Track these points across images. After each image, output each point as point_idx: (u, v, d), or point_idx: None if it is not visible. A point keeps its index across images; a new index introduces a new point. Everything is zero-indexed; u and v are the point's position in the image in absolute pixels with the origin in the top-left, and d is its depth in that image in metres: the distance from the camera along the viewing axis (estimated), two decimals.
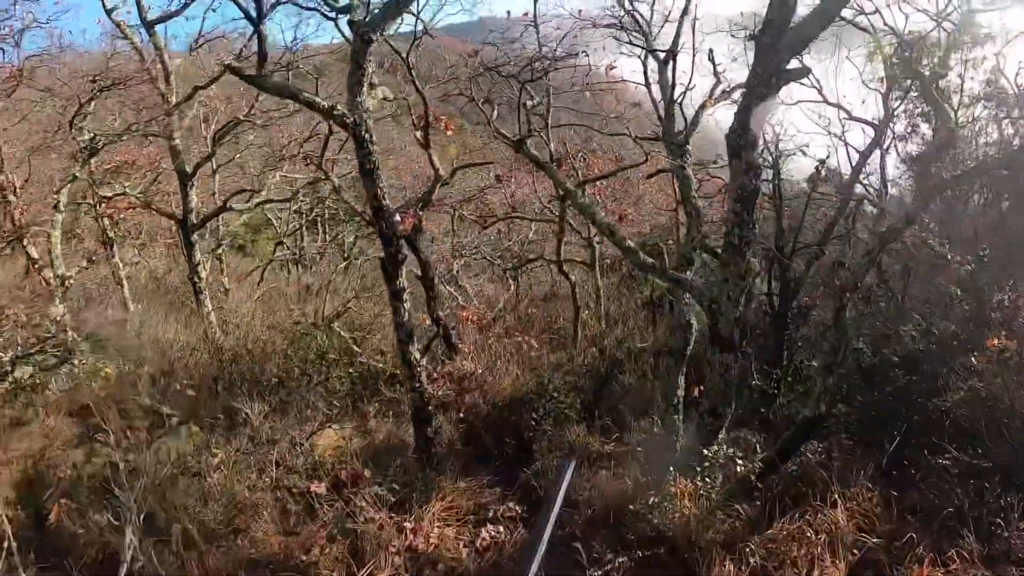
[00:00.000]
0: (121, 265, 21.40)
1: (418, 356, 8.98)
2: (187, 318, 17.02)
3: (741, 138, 6.96)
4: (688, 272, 8.23)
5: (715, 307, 7.34)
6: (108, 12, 12.52)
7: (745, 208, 7.12)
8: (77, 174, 12.53)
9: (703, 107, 9.54)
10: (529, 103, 9.90)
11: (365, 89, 7.81)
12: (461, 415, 10.44)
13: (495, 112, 9.68)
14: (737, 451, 7.32)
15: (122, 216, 21.18)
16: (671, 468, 7.18)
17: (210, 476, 8.00)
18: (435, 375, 10.22)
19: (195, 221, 16.61)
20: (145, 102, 14.49)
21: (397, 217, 10.13)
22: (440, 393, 9.83)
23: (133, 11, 12.63)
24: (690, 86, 10.20)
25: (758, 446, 8.27)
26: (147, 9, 10.19)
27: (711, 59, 9.81)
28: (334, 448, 9.00)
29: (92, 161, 19.11)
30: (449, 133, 11.81)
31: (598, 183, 15.59)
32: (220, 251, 22.46)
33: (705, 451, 7.01)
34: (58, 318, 10.30)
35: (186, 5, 7.61)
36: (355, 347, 14.34)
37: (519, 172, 18.34)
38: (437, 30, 12.56)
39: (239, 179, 22.57)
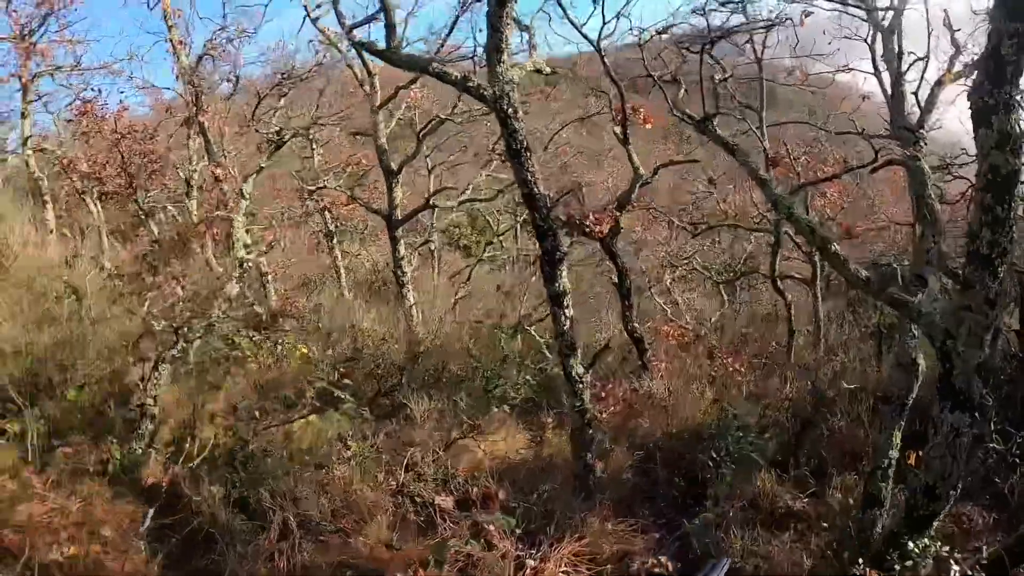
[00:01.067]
0: (341, 256, 22.90)
1: (581, 370, 7.97)
2: (391, 309, 17.54)
3: (991, 95, 4.83)
4: (919, 295, 6.29)
5: (949, 346, 5.44)
6: (313, 21, 13.16)
7: (998, 200, 4.92)
8: (262, 164, 13.35)
9: (939, 83, 7.43)
10: (717, 77, 8.49)
11: (505, 58, 6.93)
12: (635, 441, 9.32)
13: (683, 91, 8.43)
14: (954, 548, 5.33)
15: (341, 211, 22.58)
16: (863, 551, 5.47)
17: (336, 469, 7.70)
18: (603, 393, 9.16)
19: (399, 217, 17.08)
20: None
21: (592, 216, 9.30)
22: (605, 415, 8.77)
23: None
24: (923, 58, 8.07)
25: (984, 535, 6.14)
26: (345, 17, 10.51)
27: (947, 24, 7.65)
28: (473, 461, 8.31)
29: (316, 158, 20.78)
30: (648, 126, 10.68)
31: (828, 194, 13.54)
32: (433, 247, 23.13)
33: (910, 543, 5.22)
34: (231, 297, 10.93)
35: (383, 9, 7.42)
36: (546, 352, 13.67)
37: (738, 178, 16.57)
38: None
39: (450, 180, 23.08)
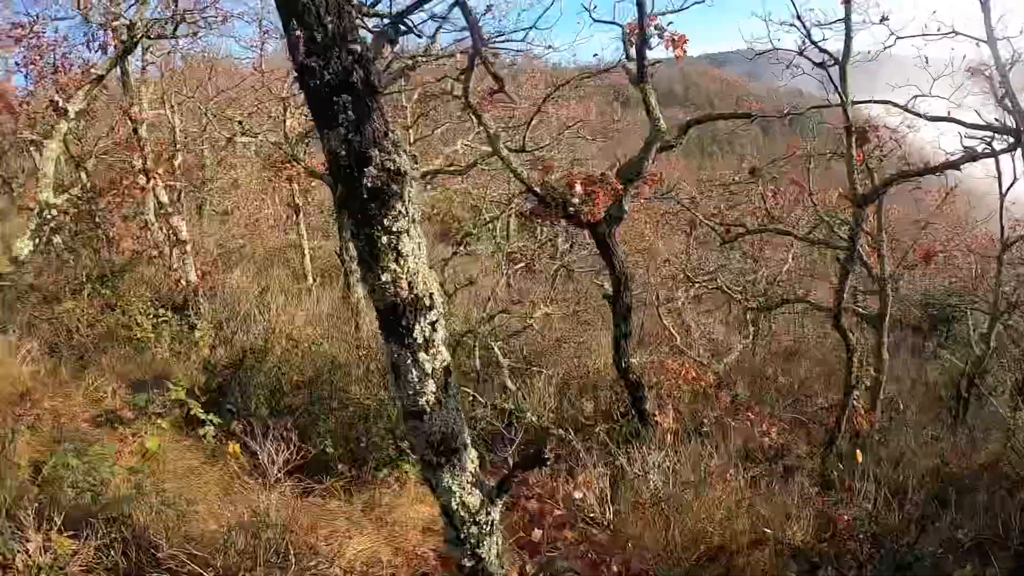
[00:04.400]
0: (305, 235, 19.11)
1: (473, 501, 3.79)
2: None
3: None
4: None
5: None
6: None
7: None
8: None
9: None
10: None
11: None
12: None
13: None
14: None
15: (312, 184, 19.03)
16: None
17: None
18: (518, 497, 4.97)
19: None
20: None
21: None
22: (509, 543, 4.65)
23: None
24: None
25: None
26: None
27: None
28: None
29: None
30: (678, 55, 6.81)
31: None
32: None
33: None
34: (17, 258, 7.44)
35: None
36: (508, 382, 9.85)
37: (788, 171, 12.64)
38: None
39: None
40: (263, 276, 17.45)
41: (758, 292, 15.44)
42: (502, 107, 14.23)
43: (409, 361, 3.36)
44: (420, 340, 3.34)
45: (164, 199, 13.83)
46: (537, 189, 6.73)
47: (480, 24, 6.84)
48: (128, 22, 8.41)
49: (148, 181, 13.91)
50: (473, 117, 7.30)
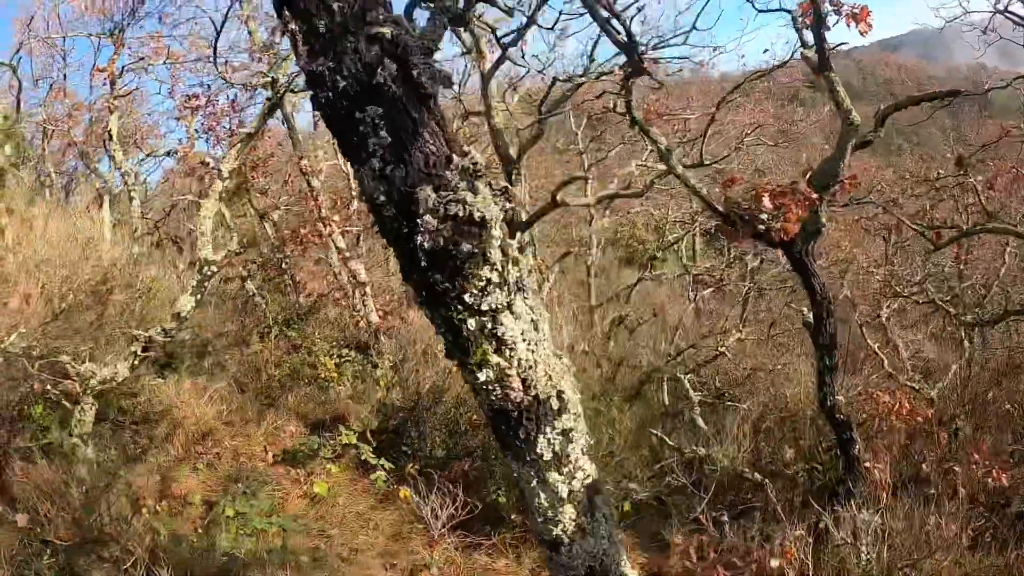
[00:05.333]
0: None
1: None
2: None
3: None
4: None
5: None
6: None
7: None
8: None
9: None
10: None
11: None
12: None
13: None
14: None
15: None
16: None
17: None
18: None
19: (523, 219, 13.09)
20: None
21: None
22: None
23: None
24: None
25: None
26: None
27: None
28: None
29: None
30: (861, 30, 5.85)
31: None
32: (590, 261, 18.30)
33: None
34: (181, 314, 7.64)
35: None
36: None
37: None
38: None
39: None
40: None
41: (971, 301, 13.39)
42: (674, 123, 13.53)
43: (535, 483, 2.47)
44: (548, 456, 2.42)
45: (341, 244, 14.35)
46: (719, 206, 5.98)
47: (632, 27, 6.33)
48: (271, 78, 8.67)
49: (326, 228, 14.51)
50: (641, 133, 6.70)
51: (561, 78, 9.87)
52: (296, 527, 7.25)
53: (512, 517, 7.22)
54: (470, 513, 6.99)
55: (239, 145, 9.09)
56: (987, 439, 8.75)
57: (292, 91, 9.26)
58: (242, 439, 9.93)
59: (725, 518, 6.30)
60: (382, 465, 8.67)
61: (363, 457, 8.85)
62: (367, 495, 8.73)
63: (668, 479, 6.92)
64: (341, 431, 9.17)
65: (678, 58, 10.01)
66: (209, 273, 8.59)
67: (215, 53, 9.00)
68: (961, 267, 13.77)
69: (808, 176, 6.17)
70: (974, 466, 7.08)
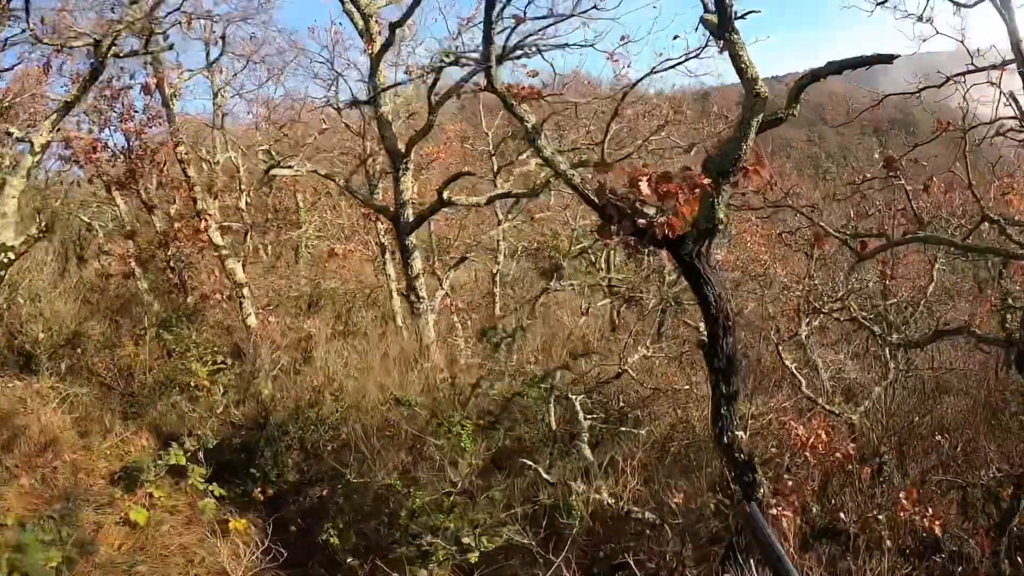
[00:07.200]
0: (393, 275, 17.61)
1: None
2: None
3: None
4: None
5: None
6: None
7: None
8: None
9: None
10: None
11: None
12: None
13: None
14: None
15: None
16: None
17: None
18: None
19: (409, 218, 11.95)
20: None
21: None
22: None
23: None
24: None
25: None
26: None
27: None
28: None
29: None
30: None
31: None
32: (496, 269, 17.22)
33: None
34: None
35: None
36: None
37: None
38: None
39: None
40: (344, 319, 16.54)
41: (898, 320, 12.72)
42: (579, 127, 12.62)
43: None
44: None
45: (218, 241, 12.95)
46: (590, 194, 4.86)
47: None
48: (92, 40, 7.23)
49: (202, 223, 13.13)
50: (506, 109, 5.55)
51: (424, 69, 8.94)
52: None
53: (349, 560, 6.08)
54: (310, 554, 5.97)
55: (54, 116, 7.67)
56: (914, 471, 7.95)
57: (117, 56, 7.84)
58: (86, 452, 9.01)
59: None
60: (212, 491, 7.62)
61: (191, 482, 7.70)
62: (199, 524, 7.70)
63: (509, 536, 5.70)
64: (171, 450, 8.02)
65: (580, 44, 9.00)
66: (5, 260, 7.17)
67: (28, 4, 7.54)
68: (886, 283, 13.05)
69: (703, 161, 5.11)
70: (902, 512, 6.15)
